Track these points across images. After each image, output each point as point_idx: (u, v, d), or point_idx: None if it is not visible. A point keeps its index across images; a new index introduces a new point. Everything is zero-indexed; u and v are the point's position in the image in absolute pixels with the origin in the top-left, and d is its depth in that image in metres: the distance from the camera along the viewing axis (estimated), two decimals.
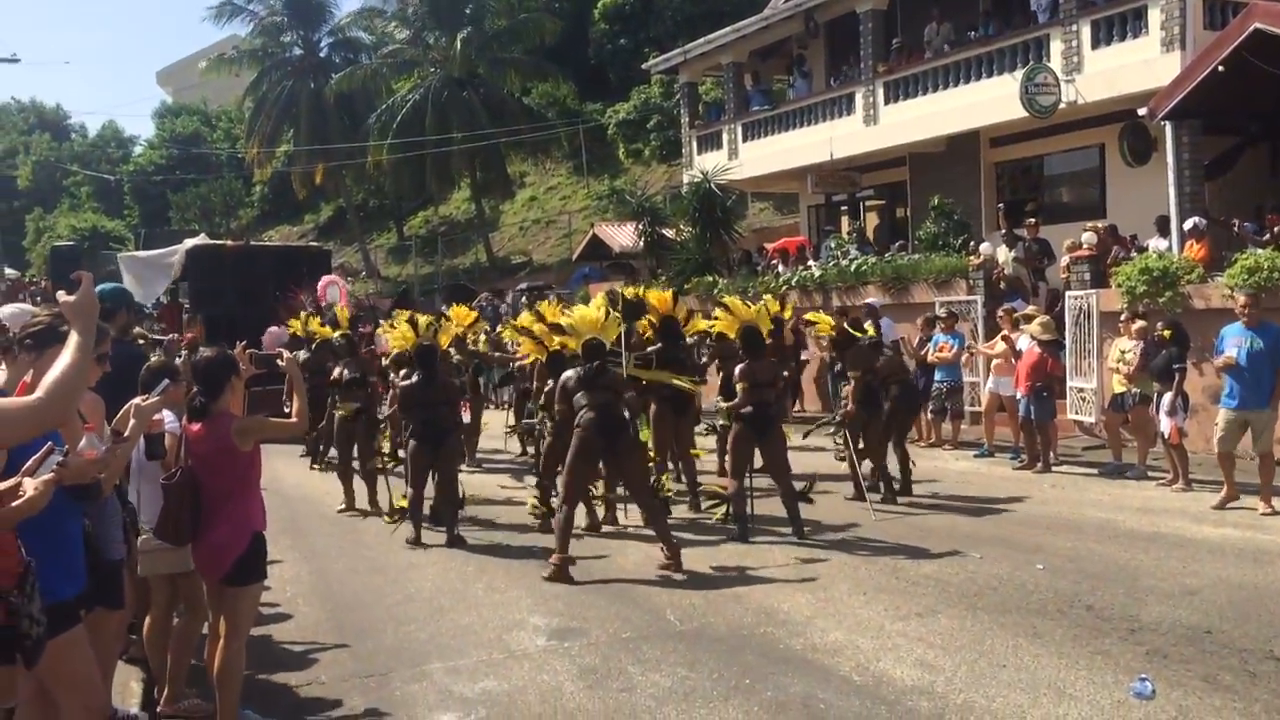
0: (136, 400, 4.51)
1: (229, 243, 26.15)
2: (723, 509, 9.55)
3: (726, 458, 9.55)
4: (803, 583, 7.50)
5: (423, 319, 11.02)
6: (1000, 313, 13.61)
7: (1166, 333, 10.58)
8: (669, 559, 7.98)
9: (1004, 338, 13.10)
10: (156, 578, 5.52)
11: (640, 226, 23.94)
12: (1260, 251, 12.09)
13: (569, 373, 8.44)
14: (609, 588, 7.64)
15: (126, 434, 4.28)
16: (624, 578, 7.91)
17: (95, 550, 4.14)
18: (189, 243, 22.01)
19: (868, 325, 11.58)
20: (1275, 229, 13.06)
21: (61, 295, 3.30)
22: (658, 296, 10.80)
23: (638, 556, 8.53)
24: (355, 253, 45.41)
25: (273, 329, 16.48)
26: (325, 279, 19.86)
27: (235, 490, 4.96)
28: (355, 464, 11.13)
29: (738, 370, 9.20)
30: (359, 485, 11.09)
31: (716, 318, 10.27)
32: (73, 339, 3.17)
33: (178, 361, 7.62)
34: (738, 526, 9.05)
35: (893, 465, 10.76)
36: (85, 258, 22.04)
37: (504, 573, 8.22)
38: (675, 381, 9.94)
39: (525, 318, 11.06)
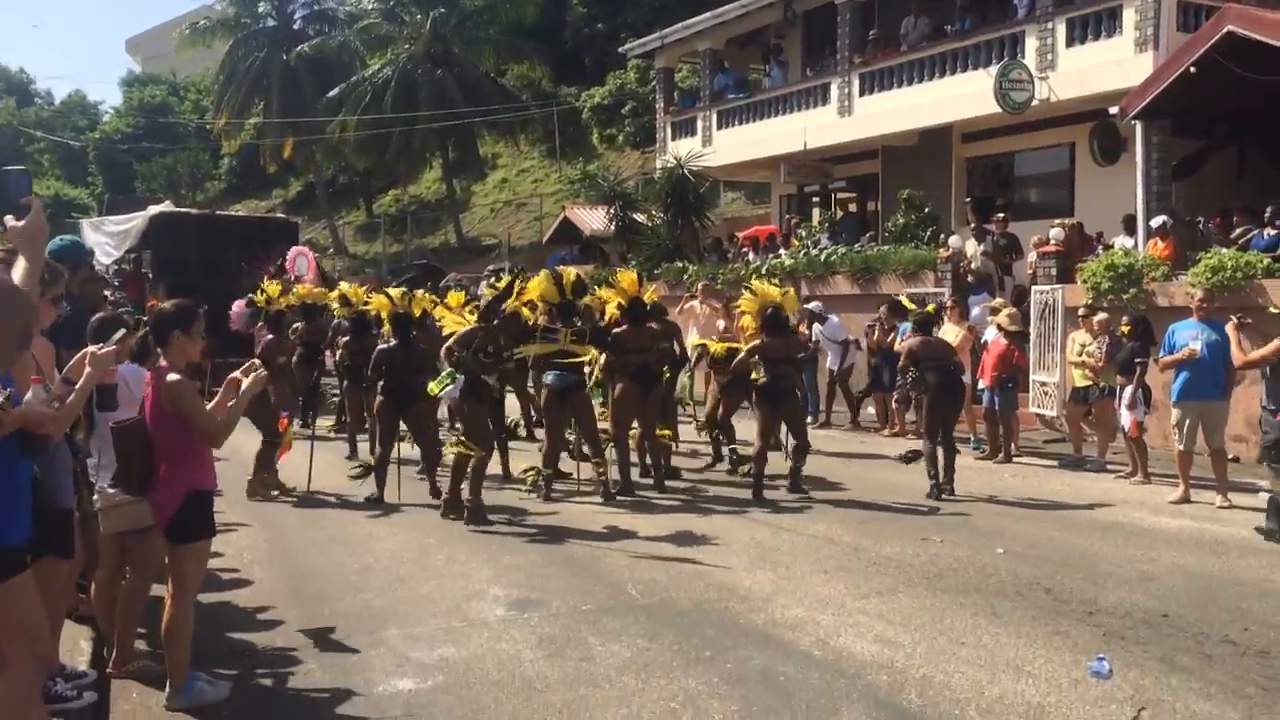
0: (92, 348, 4.38)
1: (194, 210, 25.70)
2: (746, 467, 10.43)
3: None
4: (764, 561, 7.48)
5: (395, 291, 11.32)
6: (948, 302, 13.56)
7: (1125, 329, 10.66)
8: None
9: (969, 328, 13.11)
10: (106, 537, 5.38)
11: (612, 211, 23.88)
12: (1224, 250, 12.21)
13: (382, 345, 10.08)
14: (571, 561, 7.58)
15: (80, 383, 4.14)
16: (587, 551, 7.86)
17: (44, 497, 4.00)
18: (153, 209, 21.61)
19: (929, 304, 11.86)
20: (1237, 230, 13.20)
21: (10, 220, 3.17)
22: (626, 278, 10.75)
23: (603, 531, 8.48)
24: (324, 229, 44.88)
25: (240, 303, 16.22)
26: (294, 250, 19.61)
27: (173, 447, 4.83)
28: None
29: (747, 349, 10.24)
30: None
31: (745, 298, 10.90)
32: (20, 264, 3.05)
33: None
34: (754, 488, 9.81)
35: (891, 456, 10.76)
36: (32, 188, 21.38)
37: (465, 544, 8.14)
38: (573, 359, 9.87)
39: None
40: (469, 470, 8.87)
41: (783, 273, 18.16)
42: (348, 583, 7.07)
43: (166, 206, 23.64)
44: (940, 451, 10.02)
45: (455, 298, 11.17)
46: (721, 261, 20.34)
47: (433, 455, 10.07)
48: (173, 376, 4.79)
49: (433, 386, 9.07)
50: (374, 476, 9.88)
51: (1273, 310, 10.16)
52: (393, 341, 10.06)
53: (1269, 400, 8.17)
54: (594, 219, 27.00)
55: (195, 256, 19.68)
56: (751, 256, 20.01)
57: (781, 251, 19.35)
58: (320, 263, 24.59)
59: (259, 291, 14.45)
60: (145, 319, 9.89)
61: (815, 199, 23.30)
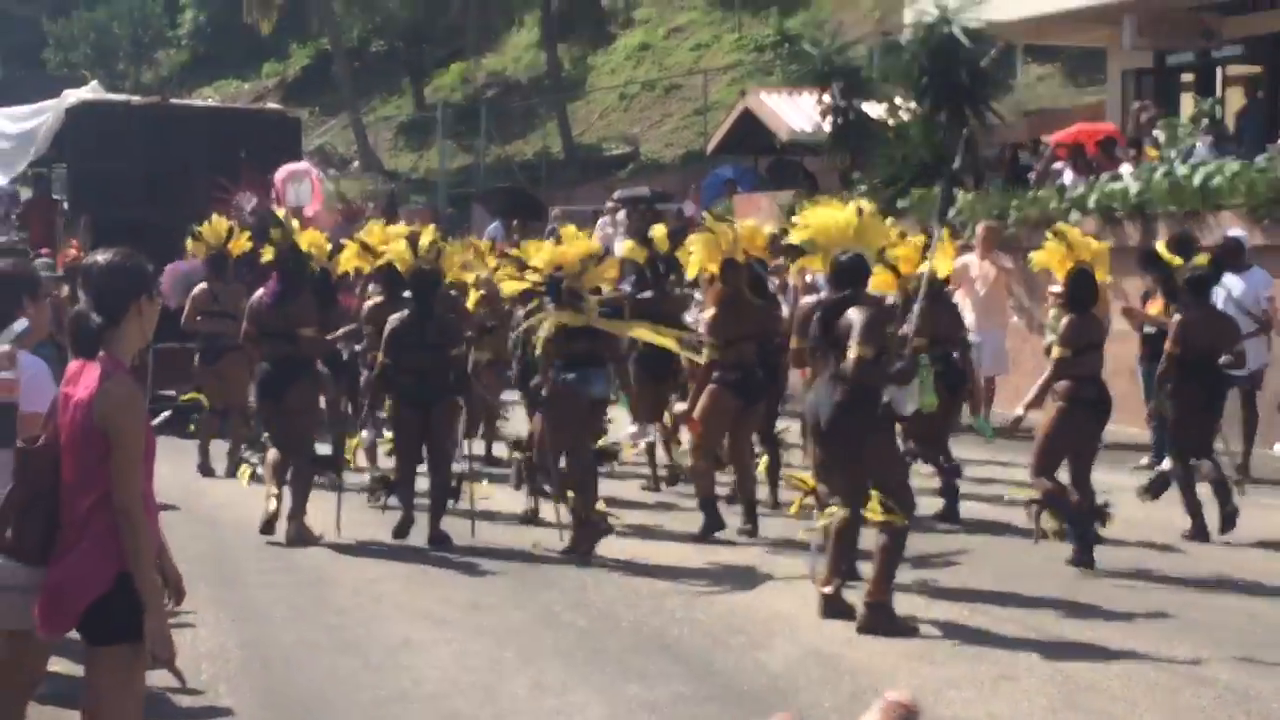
0: None
1: (135, 99, 26.62)
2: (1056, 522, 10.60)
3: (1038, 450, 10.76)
4: (1076, 709, 7.40)
5: (425, 235, 12.21)
6: None
7: None
8: None
9: None
10: None
11: (828, 99, 23.85)
12: None
13: (395, 317, 11.18)
14: (752, 687, 7.59)
15: None
16: (730, 657, 7.85)
17: None
18: (70, 96, 22.39)
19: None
20: None
21: None
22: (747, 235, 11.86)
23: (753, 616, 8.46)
24: (344, 129, 46.12)
25: (177, 265, 16.93)
26: (287, 168, 20.10)
27: (101, 488, 4.85)
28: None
29: (1067, 323, 10.60)
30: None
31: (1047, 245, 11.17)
32: None
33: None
34: (1078, 544, 10.32)
35: None
36: None
37: (563, 656, 8.22)
38: (657, 339, 11.24)
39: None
40: (835, 537, 8.90)
41: (1124, 205, 17.84)
42: None
43: (93, 91, 24.50)
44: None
45: (580, 244, 11.44)
46: (1016, 185, 20.11)
47: (444, 488, 11.32)
48: (118, 381, 4.88)
49: (930, 400, 9.65)
50: (399, 501, 11.34)
51: None
52: (406, 311, 11.18)
53: None
54: (796, 113, 27.02)
55: (139, 172, 20.30)
56: (1069, 177, 19.69)
57: (1124, 167, 19.00)
58: (332, 187, 25.20)
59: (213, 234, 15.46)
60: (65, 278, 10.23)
61: (1187, 77, 22.76)
